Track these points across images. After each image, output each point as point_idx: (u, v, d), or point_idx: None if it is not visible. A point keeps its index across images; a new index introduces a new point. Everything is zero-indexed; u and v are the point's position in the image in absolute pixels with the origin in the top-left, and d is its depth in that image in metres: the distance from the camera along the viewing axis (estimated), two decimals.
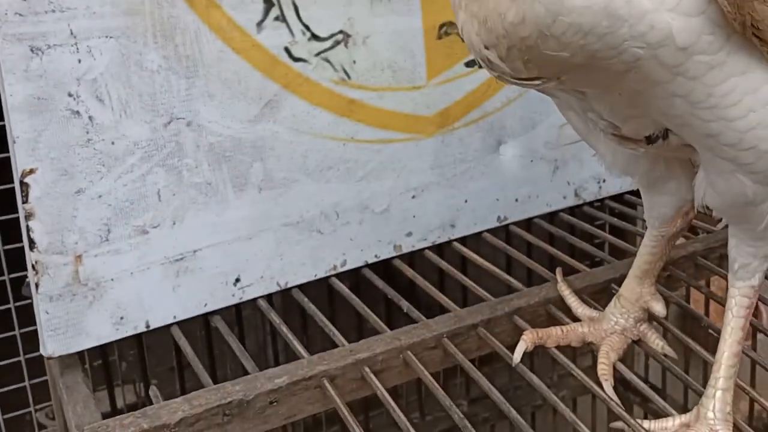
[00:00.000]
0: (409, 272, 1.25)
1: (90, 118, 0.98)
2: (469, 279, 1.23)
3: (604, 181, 1.49)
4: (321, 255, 1.20)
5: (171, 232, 1.07)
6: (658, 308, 1.03)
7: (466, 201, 1.32)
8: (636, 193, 1.51)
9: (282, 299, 1.24)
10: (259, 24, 1.08)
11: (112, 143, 1.00)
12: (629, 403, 1.53)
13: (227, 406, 0.91)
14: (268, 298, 1.17)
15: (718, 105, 0.68)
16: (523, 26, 0.60)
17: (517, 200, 1.38)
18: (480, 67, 0.71)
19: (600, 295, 1.16)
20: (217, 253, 1.11)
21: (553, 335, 1.05)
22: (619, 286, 1.15)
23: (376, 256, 1.25)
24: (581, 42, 0.62)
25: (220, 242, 1.11)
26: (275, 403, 0.94)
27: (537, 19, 0.60)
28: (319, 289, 1.23)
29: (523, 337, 1.03)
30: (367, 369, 0.99)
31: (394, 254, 1.27)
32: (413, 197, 1.27)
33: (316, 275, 1.20)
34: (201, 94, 1.05)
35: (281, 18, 1.09)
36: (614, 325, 1.05)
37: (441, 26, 1.23)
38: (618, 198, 1.52)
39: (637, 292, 1.04)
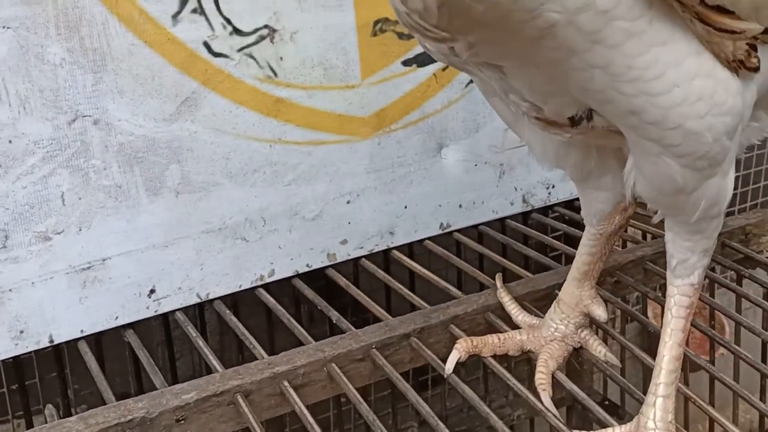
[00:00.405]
0: (342, 281, 1.20)
1: None
2: (407, 288, 1.18)
3: (553, 186, 1.45)
4: (246, 264, 1.14)
5: (77, 238, 1.01)
6: (599, 312, 0.99)
7: (405, 207, 1.28)
8: (567, 205, 1.47)
9: (202, 311, 1.19)
10: (175, 16, 1.03)
11: (10, 142, 0.95)
12: (589, 420, 1.48)
13: (127, 424, 0.85)
14: (186, 310, 1.11)
15: (639, 78, 0.65)
16: None
17: (461, 206, 1.34)
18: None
19: (542, 302, 1.12)
20: (128, 262, 1.05)
21: (489, 344, 1.00)
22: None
23: (307, 265, 1.20)
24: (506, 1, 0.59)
25: (132, 250, 1.05)
26: (183, 421, 0.88)
27: None
28: (245, 300, 1.17)
29: (456, 345, 0.98)
30: (286, 383, 0.93)
31: (327, 263, 1.22)
32: (348, 202, 1.22)
33: (241, 286, 1.14)
34: (109, 89, 1.00)
35: (199, 10, 1.05)
36: (554, 332, 1.00)
37: (376, 22, 1.19)
38: (568, 204, 1.48)
39: (576, 296, 1.00)
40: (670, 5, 0.63)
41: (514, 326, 1.06)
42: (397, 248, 1.29)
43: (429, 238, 1.32)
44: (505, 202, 1.40)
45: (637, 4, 0.62)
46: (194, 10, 1.04)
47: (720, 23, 0.65)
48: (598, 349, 1.00)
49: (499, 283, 1.10)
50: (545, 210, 1.46)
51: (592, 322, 1.03)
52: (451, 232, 1.34)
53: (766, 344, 1.16)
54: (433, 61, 1.26)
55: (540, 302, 1.11)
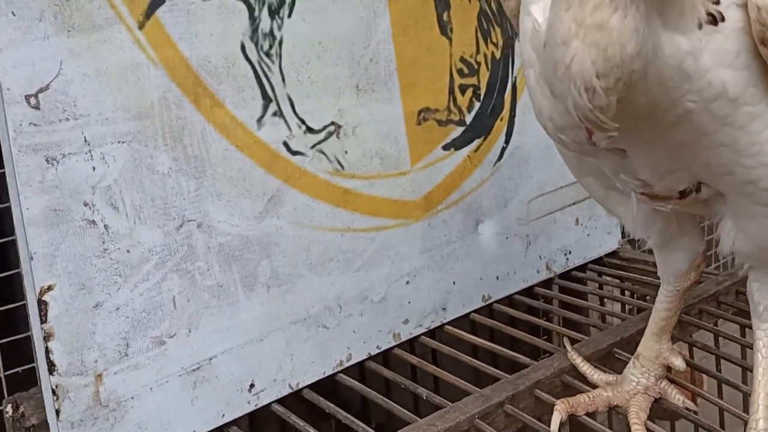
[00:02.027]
0: (414, 360, 1.34)
1: (106, 226, 1.03)
2: (467, 360, 1.34)
3: (570, 252, 1.66)
4: (328, 351, 1.27)
5: (187, 340, 1.11)
6: (678, 362, 1.18)
7: (454, 283, 1.44)
8: (581, 268, 1.69)
9: (292, 400, 1.29)
10: (259, 120, 1.18)
11: (128, 251, 1.05)
12: None
13: None
14: (281, 401, 1.21)
15: (759, 152, 0.85)
16: (637, 59, 0.72)
17: (498, 278, 1.52)
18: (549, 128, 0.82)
19: (605, 360, 1.30)
20: (231, 359, 1.16)
21: (582, 403, 1.16)
22: (622, 349, 1.31)
23: (377, 347, 1.34)
24: (655, 90, 0.77)
25: (234, 347, 1.16)
26: None
27: (647, 56, 0.73)
28: (325, 386, 1.29)
29: (557, 407, 1.14)
30: None
31: (393, 343, 1.36)
32: (407, 283, 1.37)
33: (324, 372, 1.26)
34: (209, 193, 1.13)
35: (279, 113, 1.20)
36: (636, 385, 1.18)
37: (419, 112, 1.38)
38: (581, 268, 1.69)
39: (656, 350, 1.18)
40: None
41: (589, 385, 1.23)
42: (449, 323, 1.44)
43: (474, 311, 1.48)
44: (532, 270, 1.59)
45: (758, 92, 0.83)
46: (275, 114, 1.19)
47: None
48: (676, 397, 1.18)
49: (568, 346, 1.27)
50: (566, 275, 1.66)
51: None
52: (491, 304, 1.52)
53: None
54: (466, 144, 1.46)
55: (603, 360, 1.30)
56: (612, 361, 1.31)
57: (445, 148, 1.43)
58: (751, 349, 1.37)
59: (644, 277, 1.65)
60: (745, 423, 1.07)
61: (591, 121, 0.79)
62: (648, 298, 1.60)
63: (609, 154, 0.92)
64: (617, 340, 1.33)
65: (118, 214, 1.04)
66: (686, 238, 1.11)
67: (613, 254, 1.77)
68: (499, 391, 1.20)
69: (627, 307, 1.66)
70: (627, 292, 1.67)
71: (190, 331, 1.12)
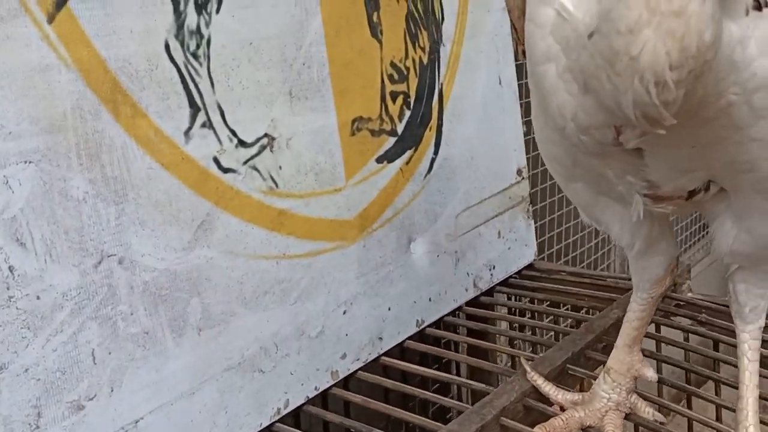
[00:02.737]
0: (359, 398, 1.21)
1: (10, 268, 0.83)
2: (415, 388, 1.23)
3: (494, 267, 1.58)
4: (264, 398, 1.11)
5: (109, 401, 0.92)
6: (650, 374, 1.13)
7: (389, 309, 1.32)
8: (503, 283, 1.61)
9: None
10: (187, 132, 1.01)
11: (38, 297, 0.86)
12: None
13: None
14: None
15: None
16: (712, 48, 0.65)
17: (430, 299, 1.41)
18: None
19: (561, 378, 1.23)
20: (159, 420, 0.98)
21: (557, 427, 1.09)
22: (575, 365, 1.25)
23: (315, 387, 1.19)
24: (708, 84, 0.70)
25: (162, 404, 0.98)
26: None
27: (718, 44, 0.66)
28: None
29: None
30: None
31: (331, 382, 1.22)
32: (344, 313, 1.24)
33: (261, 424, 1.11)
34: (132, 222, 0.95)
35: (208, 124, 1.03)
36: (608, 402, 1.12)
37: (353, 122, 1.25)
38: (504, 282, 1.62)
39: (627, 362, 1.12)
40: None
41: (551, 404, 1.15)
42: (385, 354, 1.32)
43: (409, 338, 1.37)
44: (461, 289, 1.50)
45: None
46: (204, 125, 1.03)
47: None
48: (646, 410, 1.13)
49: (527, 366, 1.19)
50: (490, 292, 1.58)
51: None
52: (424, 329, 1.41)
53: None
54: (399, 156, 1.34)
55: (559, 378, 1.23)
56: (566, 377, 1.25)
57: (379, 160, 1.30)
58: (692, 351, 1.36)
59: (568, 288, 1.60)
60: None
61: (649, 118, 0.70)
62: (584, 310, 1.55)
63: (623, 156, 0.84)
64: (569, 356, 1.27)
65: (25, 252, 0.84)
66: (664, 242, 1.07)
67: (530, 267, 1.71)
68: (467, 424, 1.09)
69: (563, 321, 1.59)
70: (552, 305, 1.61)
71: (112, 390, 0.93)
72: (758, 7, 0.73)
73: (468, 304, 1.52)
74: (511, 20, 0.94)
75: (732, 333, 1.31)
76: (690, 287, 1.64)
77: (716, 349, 1.40)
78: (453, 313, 1.48)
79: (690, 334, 1.44)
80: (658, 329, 1.44)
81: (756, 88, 0.75)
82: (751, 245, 0.94)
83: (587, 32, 0.72)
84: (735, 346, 1.29)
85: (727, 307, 1.44)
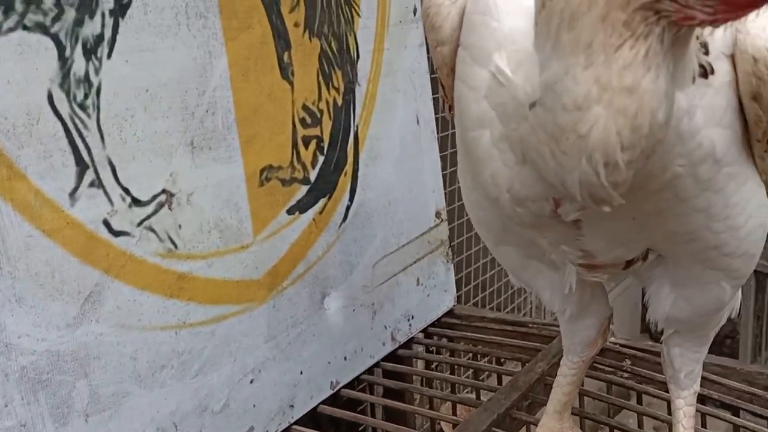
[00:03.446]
0: None
1: None
2: None
3: (413, 317, 1.52)
4: None
5: None
6: None
7: (301, 372, 1.24)
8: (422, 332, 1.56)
9: None
10: (73, 194, 0.91)
11: None
12: None
13: None
14: None
15: (730, 215, 0.78)
16: (665, 127, 0.61)
17: (346, 358, 1.34)
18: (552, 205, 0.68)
19: None
20: None
21: None
22: (499, 427, 1.19)
23: None
24: (654, 160, 0.65)
25: None
26: None
27: (670, 122, 0.62)
28: None
29: None
30: None
31: None
32: (251, 381, 1.15)
33: None
34: (7, 299, 0.84)
35: (97, 183, 0.93)
36: None
37: (262, 171, 1.17)
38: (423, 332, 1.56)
39: (557, 429, 1.08)
40: (749, 150, 0.77)
41: None
42: (297, 422, 1.24)
43: (322, 402, 1.29)
44: (378, 343, 1.43)
45: (736, 150, 0.75)
46: (92, 184, 0.93)
47: None
48: None
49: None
50: (408, 344, 1.51)
51: None
52: (338, 390, 1.33)
53: None
54: (311, 205, 1.27)
55: None
56: None
57: (290, 211, 1.22)
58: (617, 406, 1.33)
59: (490, 336, 1.55)
60: None
61: (595, 198, 0.65)
62: (507, 362, 1.50)
63: (558, 226, 0.80)
64: (495, 418, 1.21)
65: None
66: (596, 305, 1.03)
67: (450, 313, 1.65)
68: None
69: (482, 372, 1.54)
70: (477, 356, 1.57)
71: None
72: (704, 75, 0.70)
73: (385, 359, 1.45)
74: (439, 78, 0.88)
75: (660, 384, 1.29)
76: (612, 332, 1.61)
77: (640, 401, 1.38)
78: (369, 370, 1.41)
79: (614, 386, 1.41)
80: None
81: (701, 160, 0.72)
82: (689, 312, 0.91)
83: (528, 101, 0.67)
84: (662, 398, 1.27)
85: (654, 354, 1.43)
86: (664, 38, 0.59)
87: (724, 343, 3.25)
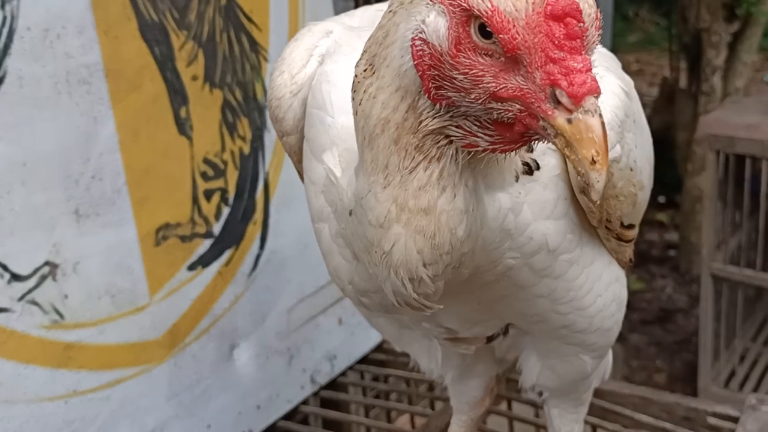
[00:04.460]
0: None
1: None
2: None
3: (335, 357, 1.54)
4: None
5: None
6: None
7: (209, 426, 1.27)
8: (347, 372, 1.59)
9: None
10: None
11: None
12: None
13: None
14: None
15: (574, 297, 0.82)
16: (468, 241, 0.65)
17: (259, 407, 1.37)
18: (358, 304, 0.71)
19: None
20: None
21: None
22: None
23: None
24: (478, 258, 0.69)
25: None
26: None
27: (476, 233, 0.65)
28: None
29: None
30: None
31: None
32: None
33: None
34: None
35: None
36: None
37: (158, 231, 1.19)
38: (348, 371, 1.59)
39: None
40: (594, 231, 0.79)
41: None
42: None
43: None
44: (296, 388, 1.45)
45: (575, 237, 0.79)
46: None
47: (627, 236, 0.83)
48: None
49: None
50: (333, 385, 1.54)
51: None
52: None
53: None
54: (216, 258, 1.29)
55: None
56: None
57: (191, 267, 1.24)
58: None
59: (412, 375, 1.58)
60: None
61: (411, 305, 0.69)
62: (436, 403, 1.54)
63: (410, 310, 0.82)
64: None
65: None
66: (481, 365, 1.07)
67: (378, 348, 1.68)
68: None
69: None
70: (400, 397, 1.60)
71: None
72: (529, 171, 0.72)
73: (307, 402, 1.48)
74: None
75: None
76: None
77: None
78: (289, 415, 1.44)
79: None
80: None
81: (534, 251, 0.75)
82: (556, 381, 0.95)
83: (350, 207, 0.70)
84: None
85: None
86: (458, 158, 0.61)
87: (690, 341, 3.30)
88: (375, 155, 0.62)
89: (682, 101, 3.77)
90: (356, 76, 0.65)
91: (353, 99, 0.65)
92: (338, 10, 1.64)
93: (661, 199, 4.30)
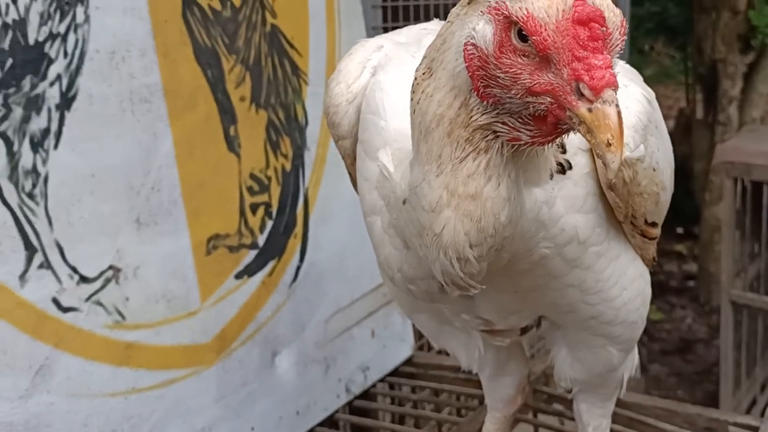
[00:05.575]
0: None
1: None
2: None
3: (368, 368, 1.63)
4: None
5: None
6: None
7: (252, 429, 1.35)
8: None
9: None
10: (22, 276, 1.03)
11: None
12: None
13: None
14: None
15: (602, 289, 0.91)
16: (509, 226, 0.74)
17: (298, 413, 1.45)
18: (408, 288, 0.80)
19: None
20: None
21: None
22: None
23: None
24: (517, 245, 0.78)
25: None
26: None
27: (516, 220, 0.74)
28: None
29: None
30: None
31: None
32: None
33: None
34: None
35: (46, 265, 1.05)
36: None
37: (209, 240, 1.28)
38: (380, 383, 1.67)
39: None
40: (620, 228, 0.88)
41: None
42: None
43: None
44: (332, 396, 1.54)
45: (603, 231, 0.88)
46: (41, 265, 1.05)
47: (651, 233, 0.92)
48: None
49: None
50: (367, 394, 1.62)
51: None
52: None
53: None
54: (260, 269, 1.38)
55: None
56: None
57: (238, 276, 1.34)
58: None
59: (444, 386, 1.66)
60: None
61: (457, 285, 0.78)
62: (463, 412, 1.61)
63: (454, 298, 0.91)
64: None
65: None
66: (513, 363, 1.15)
67: (408, 362, 1.76)
68: None
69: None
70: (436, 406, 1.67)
71: None
72: (562, 171, 0.82)
73: (343, 410, 1.56)
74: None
75: None
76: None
77: None
78: (325, 422, 1.52)
79: None
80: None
81: (566, 242, 0.84)
82: (585, 373, 1.03)
83: (403, 197, 0.79)
84: None
85: None
86: (503, 152, 0.71)
87: (711, 371, 3.36)
88: (430, 147, 0.72)
89: (699, 132, 3.87)
90: (416, 78, 0.75)
91: (412, 99, 0.75)
92: (370, 36, 1.75)
93: (680, 230, 4.38)
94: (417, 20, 1.99)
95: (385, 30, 1.93)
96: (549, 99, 0.68)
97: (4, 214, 1.01)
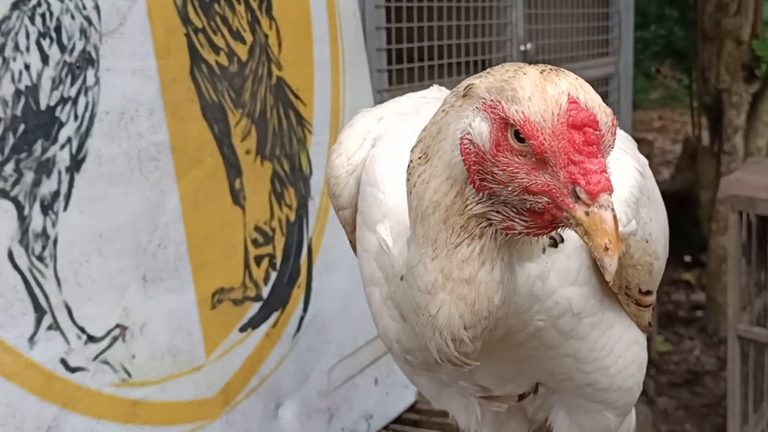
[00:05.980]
0: None
1: None
2: None
3: (371, 417, 1.66)
4: None
5: None
6: None
7: None
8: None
9: None
10: (32, 338, 1.06)
11: None
12: None
13: None
14: None
15: (597, 358, 0.93)
16: (503, 307, 0.77)
17: None
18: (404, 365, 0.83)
19: None
20: None
21: None
22: None
23: None
24: (511, 320, 0.81)
25: None
26: None
27: (510, 299, 0.77)
28: None
29: None
30: None
31: None
32: None
33: None
34: None
35: (55, 326, 1.09)
36: None
37: (213, 295, 1.32)
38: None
39: None
40: (615, 297, 0.92)
41: None
42: None
43: None
44: None
45: (597, 302, 0.91)
46: (50, 327, 1.08)
47: (645, 302, 0.96)
48: None
49: None
50: None
51: None
52: None
53: None
54: (264, 321, 1.41)
55: None
56: None
57: (242, 329, 1.37)
58: None
59: None
60: None
61: (452, 363, 0.81)
62: None
63: (449, 368, 0.94)
64: None
65: None
66: (513, 423, 1.17)
67: (412, 408, 1.79)
68: None
69: None
70: None
71: None
72: (554, 245, 0.86)
73: None
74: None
75: None
76: None
77: None
78: None
79: None
80: None
81: (560, 314, 0.88)
82: None
83: (401, 273, 0.83)
84: None
85: None
86: (497, 237, 0.75)
87: (720, 404, 3.38)
88: (426, 231, 0.76)
89: (705, 159, 3.90)
90: (411, 161, 0.79)
91: (408, 180, 0.79)
92: (374, 83, 1.80)
93: (687, 258, 4.40)
94: (421, 60, 2.03)
95: (389, 72, 1.98)
96: (546, 199, 0.71)
97: (14, 278, 1.04)
